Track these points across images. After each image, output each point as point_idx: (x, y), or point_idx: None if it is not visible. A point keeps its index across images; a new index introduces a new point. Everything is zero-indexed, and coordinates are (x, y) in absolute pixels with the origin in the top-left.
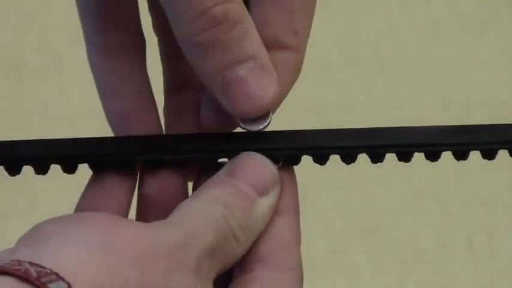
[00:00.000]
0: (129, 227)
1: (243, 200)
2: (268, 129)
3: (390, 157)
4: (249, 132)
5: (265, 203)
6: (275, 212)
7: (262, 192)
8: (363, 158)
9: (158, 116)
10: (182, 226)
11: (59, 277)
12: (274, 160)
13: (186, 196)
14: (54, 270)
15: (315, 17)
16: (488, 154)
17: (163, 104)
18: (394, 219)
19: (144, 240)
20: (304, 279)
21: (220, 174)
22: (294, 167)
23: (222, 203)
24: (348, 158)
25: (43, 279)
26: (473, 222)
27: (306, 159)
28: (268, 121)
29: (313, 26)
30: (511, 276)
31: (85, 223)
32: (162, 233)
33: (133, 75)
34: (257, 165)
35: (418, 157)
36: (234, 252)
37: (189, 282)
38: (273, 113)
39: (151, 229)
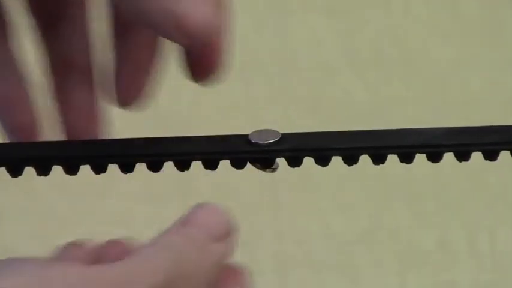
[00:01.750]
0: (67, 263)
1: (196, 246)
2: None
3: (392, 158)
4: (248, 135)
5: (218, 250)
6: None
7: (215, 240)
8: (364, 159)
9: (34, 99)
10: (128, 266)
11: None
12: (273, 162)
13: None
14: None
15: (314, 17)
16: (490, 155)
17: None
18: (394, 220)
19: (87, 272)
20: (305, 280)
21: (175, 223)
22: (296, 167)
23: (173, 249)
24: (350, 160)
25: None
26: (475, 222)
27: (308, 160)
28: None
29: (313, 26)
30: None
31: (20, 260)
32: (106, 269)
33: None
34: (210, 214)
35: (420, 158)
36: None
37: None
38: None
39: (96, 266)
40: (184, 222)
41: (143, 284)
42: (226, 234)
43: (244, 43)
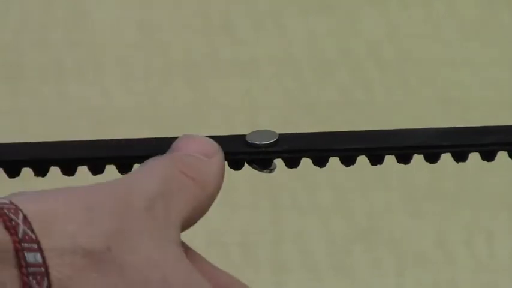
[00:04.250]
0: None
1: (191, 156)
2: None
3: (390, 159)
4: (246, 135)
5: (214, 161)
6: None
7: (207, 156)
8: (362, 160)
9: None
10: (127, 177)
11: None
12: (271, 163)
13: None
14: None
15: (315, 17)
16: (488, 156)
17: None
18: (393, 220)
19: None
20: (304, 280)
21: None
22: (293, 168)
23: (170, 159)
24: (348, 161)
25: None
26: (473, 222)
27: (305, 162)
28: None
29: (313, 25)
30: (510, 276)
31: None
32: (107, 184)
33: None
34: (196, 139)
35: (417, 158)
36: (199, 199)
37: (140, 223)
38: None
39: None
40: (174, 149)
41: (143, 181)
42: (214, 152)
43: (243, 43)
